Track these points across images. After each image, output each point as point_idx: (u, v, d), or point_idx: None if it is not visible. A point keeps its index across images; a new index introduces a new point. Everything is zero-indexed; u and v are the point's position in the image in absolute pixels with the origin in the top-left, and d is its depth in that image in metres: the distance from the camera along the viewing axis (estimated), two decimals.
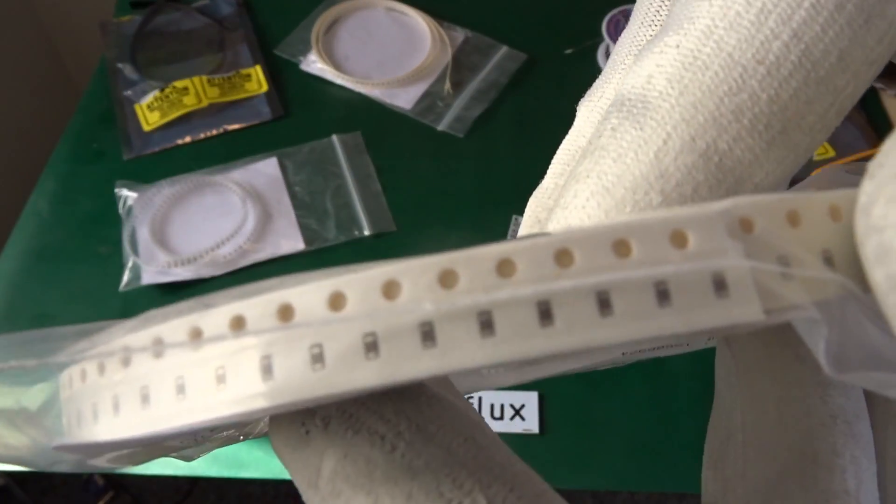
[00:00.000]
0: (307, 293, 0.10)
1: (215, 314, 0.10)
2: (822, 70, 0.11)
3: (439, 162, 0.73)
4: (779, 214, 0.10)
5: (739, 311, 0.09)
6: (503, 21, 0.83)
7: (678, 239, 0.09)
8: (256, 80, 0.77)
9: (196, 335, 0.10)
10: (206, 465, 0.57)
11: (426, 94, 0.77)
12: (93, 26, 0.85)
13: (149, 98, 0.75)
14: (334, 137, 0.74)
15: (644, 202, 0.11)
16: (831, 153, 0.72)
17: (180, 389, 0.10)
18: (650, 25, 0.15)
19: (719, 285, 0.09)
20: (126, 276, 0.65)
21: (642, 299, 0.09)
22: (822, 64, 0.11)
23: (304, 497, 0.11)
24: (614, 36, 0.76)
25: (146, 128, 0.74)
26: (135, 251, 0.66)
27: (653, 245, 0.09)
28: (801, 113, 0.11)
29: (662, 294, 0.09)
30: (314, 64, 0.79)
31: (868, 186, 0.09)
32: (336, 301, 0.09)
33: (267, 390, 0.09)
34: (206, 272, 0.65)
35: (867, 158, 0.66)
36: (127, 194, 0.69)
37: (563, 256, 0.09)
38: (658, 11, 0.15)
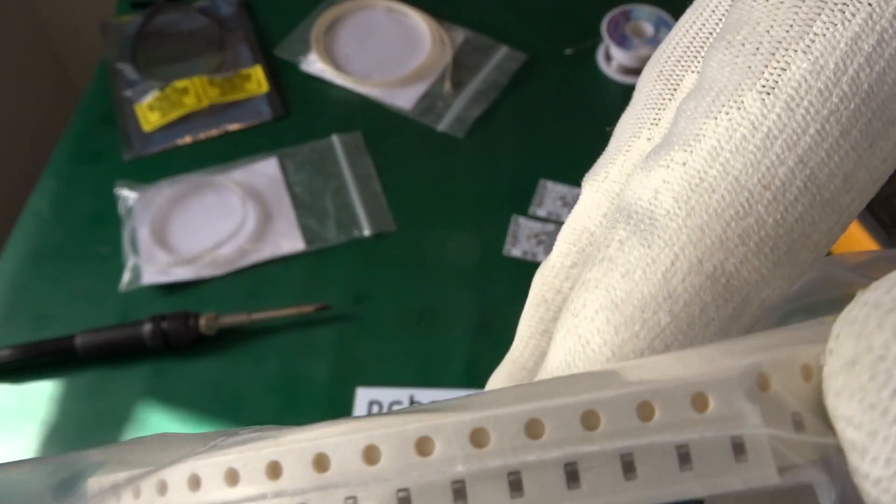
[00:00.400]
0: (342, 445, 0.10)
1: (252, 458, 0.10)
2: (828, 193, 0.12)
3: (439, 162, 0.73)
4: (794, 370, 0.10)
5: (756, 475, 0.09)
6: (503, 21, 0.83)
7: (699, 402, 0.10)
8: (256, 81, 0.77)
9: (233, 480, 0.10)
10: None
11: (426, 95, 0.77)
12: (93, 26, 0.85)
13: (149, 98, 0.75)
14: (334, 137, 0.74)
15: (653, 321, 0.12)
16: None
17: None
18: (653, 108, 0.15)
19: (738, 449, 0.09)
20: (126, 276, 0.65)
21: (665, 463, 0.09)
22: (827, 187, 0.11)
23: None
24: (614, 36, 0.76)
25: (146, 128, 0.74)
26: (135, 251, 0.66)
27: (675, 409, 0.09)
28: (806, 233, 0.12)
29: (684, 457, 0.09)
30: (314, 64, 0.79)
31: (825, 369, 0.09)
32: (370, 454, 0.10)
33: None
34: (207, 272, 0.65)
35: None
36: (127, 194, 0.69)
37: (589, 417, 0.10)
38: (661, 95, 0.15)
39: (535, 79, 0.79)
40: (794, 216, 0.12)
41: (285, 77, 0.79)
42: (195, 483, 0.10)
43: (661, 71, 0.15)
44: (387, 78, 0.78)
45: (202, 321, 0.60)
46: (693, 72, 0.15)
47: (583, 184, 0.16)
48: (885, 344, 0.09)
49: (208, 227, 0.67)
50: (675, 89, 0.15)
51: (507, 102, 0.77)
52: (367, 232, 0.67)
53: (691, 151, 0.12)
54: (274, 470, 0.10)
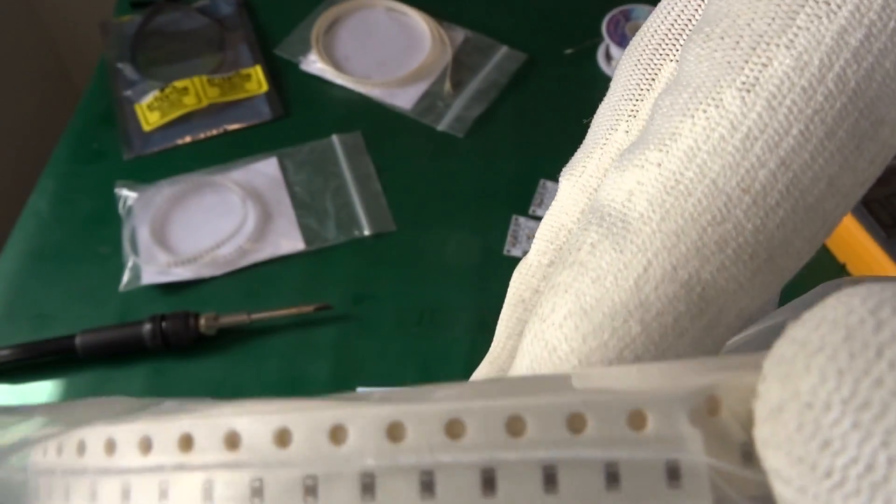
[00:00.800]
0: (255, 424, 0.10)
1: (166, 428, 0.10)
2: (811, 197, 0.11)
3: (439, 162, 0.73)
4: (749, 394, 0.09)
5: None
6: (503, 21, 0.83)
7: (637, 420, 0.09)
8: (256, 80, 0.77)
9: (146, 447, 0.10)
10: None
11: (426, 94, 0.77)
12: (93, 26, 0.85)
13: (149, 98, 0.75)
14: (334, 137, 0.74)
15: (623, 330, 0.11)
16: None
17: (125, 495, 0.10)
18: (630, 99, 0.14)
19: (672, 474, 0.09)
20: (126, 276, 0.65)
21: (590, 480, 0.09)
22: (810, 191, 0.11)
23: None
24: (614, 36, 0.76)
25: (146, 128, 0.74)
26: (135, 251, 0.66)
27: (609, 424, 0.09)
28: (787, 240, 0.11)
29: (612, 477, 0.09)
30: (314, 64, 0.79)
31: (754, 414, 0.09)
32: (283, 437, 0.09)
33: None
34: (206, 272, 0.65)
35: None
36: (127, 194, 0.69)
37: (514, 423, 0.09)
38: (638, 85, 0.14)
39: (535, 79, 0.79)
40: (775, 222, 0.11)
41: (285, 77, 0.79)
42: (111, 447, 0.10)
43: (639, 60, 0.14)
44: (387, 78, 0.78)
45: (202, 321, 0.60)
46: (672, 60, 0.14)
47: (560, 179, 0.16)
48: (811, 390, 0.08)
49: (208, 227, 0.67)
50: (653, 79, 0.14)
51: (507, 102, 0.77)
52: (366, 232, 0.67)
53: (667, 151, 0.11)
54: (186, 442, 0.10)
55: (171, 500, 0.10)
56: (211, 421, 0.10)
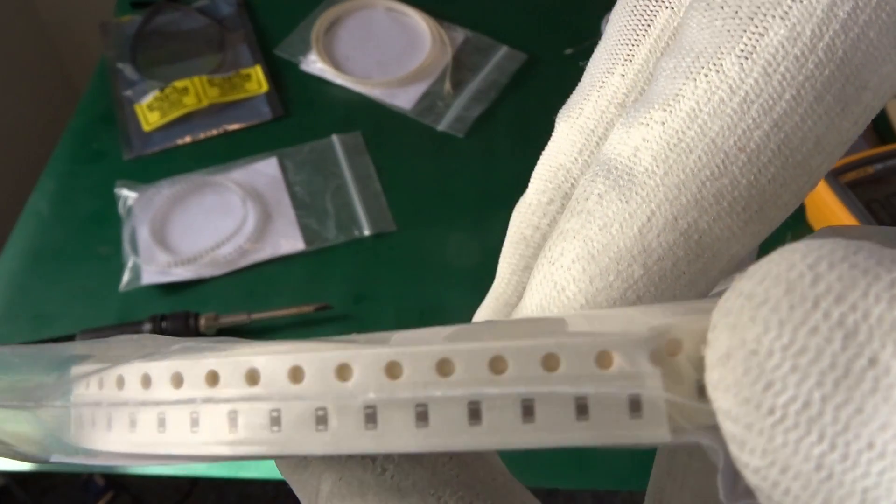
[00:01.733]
0: (272, 363, 0.11)
1: (195, 365, 0.11)
2: (800, 155, 0.12)
3: (439, 162, 0.73)
4: (702, 338, 0.10)
5: (649, 433, 0.10)
6: (503, 21, 0.83)
7: (604, 359, 0.10)
8: (256, 80, 0.77)
9: (178, 382, 0.11)
10: (206, 465, 0.57)
11: (426, 94, 0.77)
12: (93, 26, 0.85)
13: (149, 98, 0.75)
14: (334, 137, 0.74)
15: (627, 273, 0.12)
16: None
17: (161, 423, 0.11)
18: (627, 44, 0.15)
19: (634, 407, 0.10)
20: (126, 276, 0.65)
21: (562, 412, 0.10)
22: (799, 150, 0.12)
23: None
24: None
25: (146, 128, 0.74)
26: (135, 251, 0.66)
27: (579, 363, 0.10)
28: (777, 194, 0.12)
29: (581, 409, 0.10)
30: (314, 64, 0.79)
31: (705, 360, 0.10)
32: (296, 374, 0.11)
33: (232, 440, 0.11)
34: (206, 272, 0.65)
35: (866, 159, 0.66)
36: (127, 194, 0.69)
37: (497, 363, 0.10)
38: (635, 31, 0.15)
39: (535, 79, 0.79)
40: (766, 177, 0.12)
41: (285, 77, 0.79)
42: (147, 381, 0.12)
43: (636, 6, 0.15)
44: (387, 78, 0.78)
45: (202, 321, 0.60)
46: (667, 7, 0.15)
47: (556, 121, 0.16)
48: (756, 339, 0.09)
49: (208, 227, 0.67)
50: (648, 25, 0.15)
51: (507, 102, 0.77)
52: (366, 232, 0.67)
53: (670, 111, 0.12)
54: (213, 378, 0.11)
55: (201, 428, 0.11)
56: (234, 359, 0.11)
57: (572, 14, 0.83)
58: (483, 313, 0.16)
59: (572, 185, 0.16)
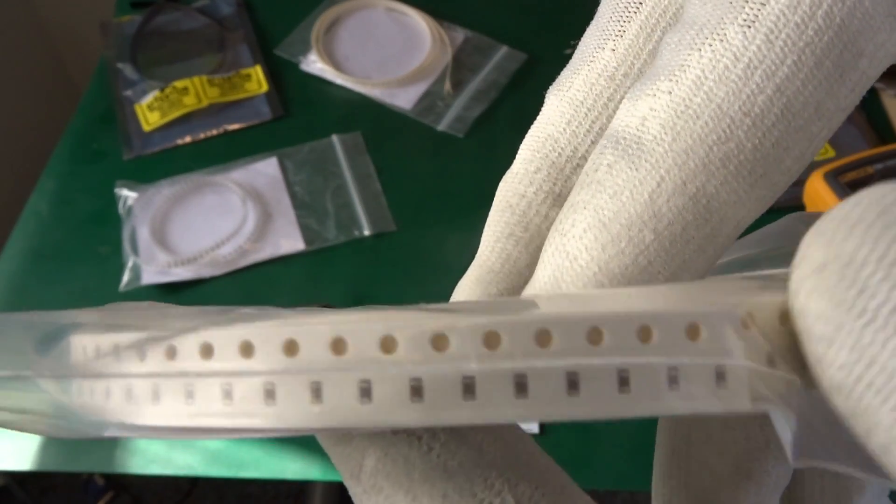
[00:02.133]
0: (361, 332, 0.10)
1: (272, 334, 0.11)
2: (801, 120, 0.12)
3: (439, 162, 0.73)
4: (773, 315, 0.11)
5: (733, 401, 0.11)
6: (503, 21, 0.83)
7: (693, 332, 0.11)
8: (256, 80, 0.77)
9: (247, 352, 0.11)
10: (206, 465, 0.57)
11: (426, 94, 0.77)
12: (93, 26, 0.85)
13: (149, 98, 0.75)
14: (334, 137, 0.74)
15: (638, 239, 0.13)
16: (831, 153, 0.72)
17: (227, 395, 0.11)
18: (618, 21, 0.16)
19: (720, 377, 0.11)
20: (126, 276, 0.65)
21: (656, 382, 0.10)
22: (801, 115, 0.12)
23: (347, 485, 0.12)
24: None
25: (146, 128, 0.74)
26: (135, 251, 0.66)
27: (672, 335, 0.11)
28: (780, 158, 0.13)
29: (673, 379, 0.10)
30: (314, 64, 0.79)
31: (795, 273, 0.10)
32: (387, 344, 0.10)
33: (317, 412, 0.10)
34: (206, 272, 0.65)
35: (866, 159, 0.66)
36: (127, 194, 0.69)
37: (594, 334, 0.10)
38: (627, 8, 0.16)
39: (535, 79, 0.79)
40: (770, 141, 0.12)
41: (285, 77, 0.79)
42: (208, 351, 0.11)
43: None
44: (387, 78, 0.78)
45: None
46: None
47: (546, 95, 0.17)
48: (852, 251, 0.10)
49: (208, 227, 0.67)
50: (640, 2, 0.16)
51: (507, 102, 0.77)
52: (366, 232, 0.67)
53: (677, 81, 0.13)
54: (290, 347, 0.10)
55: (277, 399, 0.10)
56: (314, 328, 0.10)
57: (572, 14, 0.83)
58: (467, 281, 0.16)
59: (559, 154, 0.16)
